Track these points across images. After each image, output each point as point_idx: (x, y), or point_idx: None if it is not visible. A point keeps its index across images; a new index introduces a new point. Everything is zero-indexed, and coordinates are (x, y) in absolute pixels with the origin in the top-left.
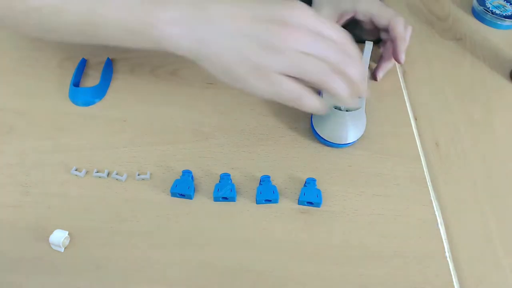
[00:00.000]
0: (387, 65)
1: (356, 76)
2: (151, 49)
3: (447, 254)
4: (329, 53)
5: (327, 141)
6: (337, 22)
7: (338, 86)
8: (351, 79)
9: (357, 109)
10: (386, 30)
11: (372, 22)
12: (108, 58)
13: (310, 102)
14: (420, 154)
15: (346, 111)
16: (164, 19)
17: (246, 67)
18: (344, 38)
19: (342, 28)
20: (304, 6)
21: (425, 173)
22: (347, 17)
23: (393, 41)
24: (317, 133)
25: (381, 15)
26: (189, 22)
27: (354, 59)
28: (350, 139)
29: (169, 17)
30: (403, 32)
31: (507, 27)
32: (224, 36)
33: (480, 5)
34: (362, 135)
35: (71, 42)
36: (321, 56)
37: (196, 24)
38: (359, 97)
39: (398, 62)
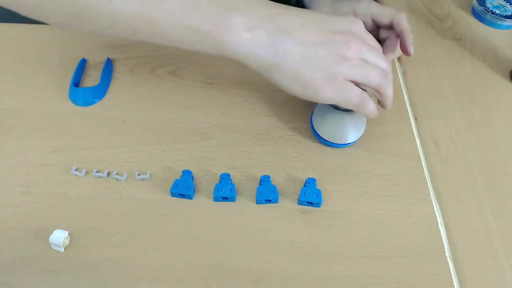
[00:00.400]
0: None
1: (391, 79)
2: (209, 52)
3: (447, 254)
4: (381, 62)
5: (327, 141)
6: None
7: (391, 91)
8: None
9: None
10: (388, 28)
11: (372, 22)
12: (108, 58)
13: (373, 108)
14: (420, 154)
15: (346, 111)
16: (238, 23)
17: (319, 74)
18: (380, 47)
19: None
20: (359, 20)
21: (425, 173)
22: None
23: (400, 35)
24: (317, 133)
25: (382, 13)
26: (261, 29)
27: (389, 66)
28: (350, 139)
29: (242, 22)
30: (408, 25)
31: (507, 27)
32: (298, 45)
33: (480, 5)
34: (362, 135)
35: (126, 39)
36: (376, 64)
37: (268, 32)
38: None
39: (408, 54)
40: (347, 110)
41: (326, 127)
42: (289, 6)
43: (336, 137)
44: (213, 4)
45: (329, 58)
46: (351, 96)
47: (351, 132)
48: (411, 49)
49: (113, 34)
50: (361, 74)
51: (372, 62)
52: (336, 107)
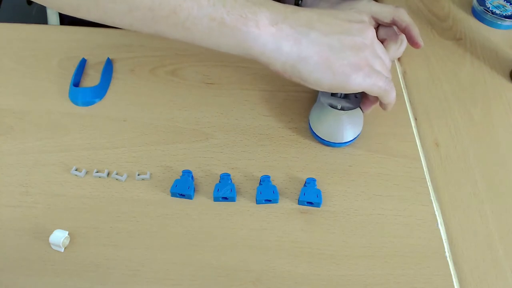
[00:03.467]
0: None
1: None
2: (231, 49)
3: (447, 254)
4: (387, 57)
5: (325, 140)
6: None
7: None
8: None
9: (353, 108)
10: (388, 25)
11: (372, 21)
12: (108, 58)
13: (395, 96)
14: (420, 154)
15: (342, 110)
16: (266, 17)
17: (347, 61)
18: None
19: None
20: (363, 11)
21: (425, 173)
22: None
23: (405, 30)
24: (314, 133)
25: (382, 10)
26: (285, 24)
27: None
28: (347, 138)
29: (271, 17)
30: (410, 19)
31: (507, 27)
32: (322, 35)
33: (480, 5)
34: (362, 135)
35: (140, 30)
36: (384, 56)
37: (296, 27)
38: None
39: (417, 47)
40: (343, 109)
41: (323, 126)
42: (299, 7)
43: (333, 136)
44: None
45: (353, 44)
46: (379, 81)
47: (348, 131)
48: (420, 40)
49: (127, 22)
50: (379, 63)
51: (380, 54)
52: (332, 106)
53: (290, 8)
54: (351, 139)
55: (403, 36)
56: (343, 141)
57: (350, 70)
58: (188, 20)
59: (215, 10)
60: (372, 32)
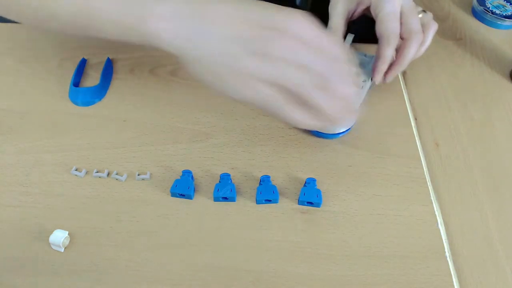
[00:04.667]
0: (397, 69)
1: (345, 94)
2: (141, 44)
3: (447, 254)
4: (320, 68)
5: (317, 132)
6: (352, 14)
7: (323, 103)
8: (341, 97)
9: (343, 132)
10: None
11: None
12: (108, 58)
13: (292, 115)
14: (420, 154)
15: None
16: (158, 13)
17: (226, 70)
18: (342, 54)
19: (344, 45)
20: (304, 16)
21: (425, 173)
22: (363, 7)
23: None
24: None
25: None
26: (182, 19)
27: (348, 78)
28: (340, 130)
29: (164, 11)
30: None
31: (507, 27)
32: (216, 37)
33: (480, 5)
34: (362, 135)
35: (68, 34)
36: (311, 69)
37: (189, 22)
38: (348, 119)
39: (383, 80)
40: None
41: None
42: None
43: (327, 128)
44: None
45: (239, 53)
46: (258, 97)
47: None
48: (378, 77)
49: (69, 32)
50: (279, 77)
51: (307, 67)
52: None
53: (197, 3)
54: (344, 131)
55: (425, 34)
56: (335, 133)
57: (230, 79)
58: (101, 26)
59: (115, 15)
60: (286, 41)
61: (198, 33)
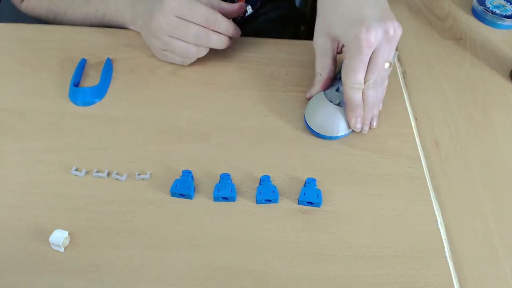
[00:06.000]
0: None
1: (225, 29)
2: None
3: (447, 254)
4: (195, 32)
5: (318, 133)
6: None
7: (215, 41)
8: (224, 33)
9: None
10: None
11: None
12: (108, 58)
13: (216, 39)
14: (420, 154)
15: (339, 105)
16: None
17: (145, 31)
18: (214, 13)
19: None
20: None
21: (425, 173)
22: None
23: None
24: (308, 126)
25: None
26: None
27: (221, 21)
28: (341, 132)
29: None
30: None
31: (507, 27)
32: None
33: (480, 5)
34: (362, 135)
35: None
36: (185, 38)
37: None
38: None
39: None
40: (340, 105)
41: (317, 119)
42: None
43: (327, 130)
44: None
45: (148, 16)
46: (175, 51)
47: (342, 124)
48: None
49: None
50: (176, 31)
51: (182, 38)
52: (331, 101)
53: None
54: (345, 133)
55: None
56: (337, 135)
57: (150, 41)
58: (73, 13)
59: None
60: (161, 23)
61: (136, 11)
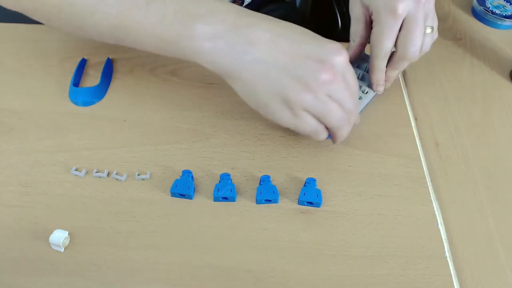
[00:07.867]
0: (391, 75)
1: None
2: (179, 58)
3: (447, 254)
4: (350, 105)
5: None
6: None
7: (346, 133)
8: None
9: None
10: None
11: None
12: (108, 58)
13: (323, 138)
14: (420, 154)
15: None
16: (203, 33)
17: (275, 97)
18: (357, 88)
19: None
20: (344, 50)
21: (425, 173)
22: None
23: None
24: None
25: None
26: (228, 41)
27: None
28: None
29: (208, 32)
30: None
31: (507, 27)
32: (260, 62)
33: (480, 5)
34: (362, 135)
35: (101, 41)
36: (342, 102)
37: (234, 44)
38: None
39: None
40: None
41: None
42: (270, 18)
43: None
44: (180, 13)
45: (290, 84)
46: (304, 127)
47: None
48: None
49: (104, 40)
50: (321, 111)
51: (338, 100)
52: None
53: (244, 20)
54: None
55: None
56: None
57: (274, 106)
58: (139, 39)
59: (155, 30)
60: (330, 75)
61: (241, 53)
